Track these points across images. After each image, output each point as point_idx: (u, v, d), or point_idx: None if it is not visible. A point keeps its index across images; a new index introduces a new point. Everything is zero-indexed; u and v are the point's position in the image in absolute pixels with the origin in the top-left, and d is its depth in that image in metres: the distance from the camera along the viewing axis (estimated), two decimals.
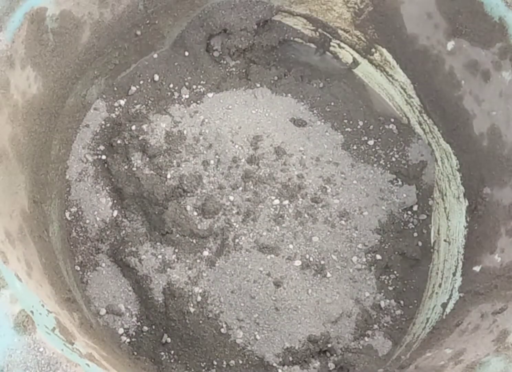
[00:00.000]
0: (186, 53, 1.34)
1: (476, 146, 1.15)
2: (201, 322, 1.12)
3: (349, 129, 1.31)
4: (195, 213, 1.18)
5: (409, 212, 1.26)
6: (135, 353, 1.14)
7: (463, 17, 1.10)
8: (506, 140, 1.08)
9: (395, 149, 1.30)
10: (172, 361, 1.13)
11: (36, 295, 0.87)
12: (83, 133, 1.26)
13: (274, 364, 1.12)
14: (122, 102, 1.30)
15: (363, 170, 1.27)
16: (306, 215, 1.20)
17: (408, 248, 1.22)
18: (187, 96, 1.30)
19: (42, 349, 0.76)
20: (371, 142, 1.30)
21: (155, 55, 1.34)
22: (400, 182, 1.27)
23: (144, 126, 1.24)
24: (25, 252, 0.95)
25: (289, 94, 1.34)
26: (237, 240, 1.16)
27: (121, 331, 1.14)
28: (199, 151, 1.22)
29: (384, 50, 1.30)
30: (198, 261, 1.16)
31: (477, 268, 1.09)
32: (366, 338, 1.17)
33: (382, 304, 1.19)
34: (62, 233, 1.18)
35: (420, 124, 1.30)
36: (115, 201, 1.22)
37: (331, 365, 1.15)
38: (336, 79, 1.37)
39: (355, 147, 1.29)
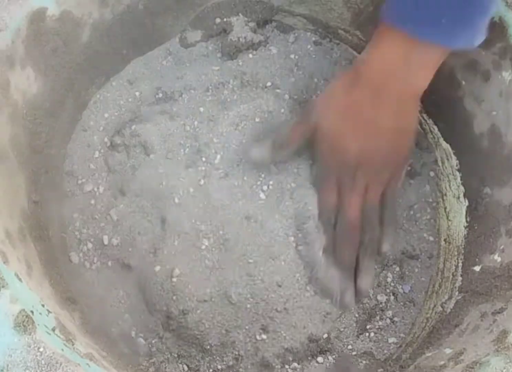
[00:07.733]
0: (186, 53, 1.34)
1: (476, 146, 1.15)
2: (201, 322, 1.12)
3: None
4: (196, 210, 1.18)
5: (409, 212, 1.26)
6: (136, 353, 1.14)
7: None
8: (506, 140, 1.08)
9: None
10: (172, 360, 1.13)
11: (36, 295, 0.87)
12: (83, 133, 1.26)
13: (274, 364, 1.12)
14: (122, 102, 1.30)
15: None
16: None
17: (408, 247, 1.22)
18: (187, 96, 1.30)
19: (42, 349, 0.76)
20: None
21: (155, 55, 1.34)
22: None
23: (144, 126, 1.24)
24: (25, 252, 0.95)
25: None
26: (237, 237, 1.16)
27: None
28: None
29: None
30: (198, 259, 1.16)
31: (477, 268, 1.09)
32: (366, 338, 1.17)
33: (383, 303, 1.19)
34: (62, 233, 1.18)
35: (420, 124, 1.30)
36: (115, 201, 1.22)
37: (331, 365, 1.15)
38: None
39: None
